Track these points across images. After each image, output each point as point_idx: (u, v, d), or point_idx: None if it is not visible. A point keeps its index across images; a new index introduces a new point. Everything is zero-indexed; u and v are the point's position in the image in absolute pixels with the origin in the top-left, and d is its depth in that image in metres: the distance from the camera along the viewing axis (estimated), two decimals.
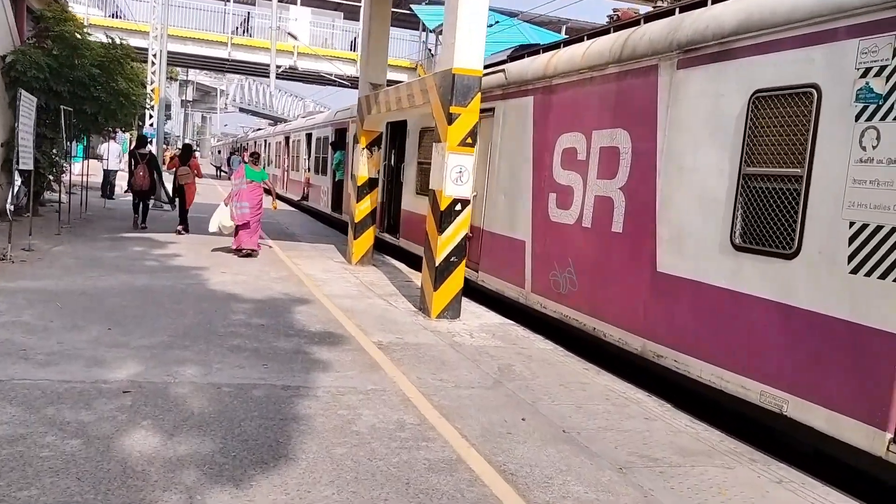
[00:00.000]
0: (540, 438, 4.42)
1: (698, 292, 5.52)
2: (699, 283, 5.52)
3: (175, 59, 34.88)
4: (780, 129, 4.92)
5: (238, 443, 3.90)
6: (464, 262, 7.76)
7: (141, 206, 14.02)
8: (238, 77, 67.12)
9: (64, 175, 14.50)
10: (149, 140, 17.75)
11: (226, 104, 71.62)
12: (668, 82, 5.96)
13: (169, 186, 17.04)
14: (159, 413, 4.23)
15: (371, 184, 11.42)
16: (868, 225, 4.22)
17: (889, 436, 4.03)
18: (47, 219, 13.32)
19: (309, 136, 22.87)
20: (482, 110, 9.66)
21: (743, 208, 5.18)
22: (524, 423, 4.67)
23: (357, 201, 11.34)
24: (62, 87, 13.14)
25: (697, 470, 4.16)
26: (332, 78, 32.65)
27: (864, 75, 4.32)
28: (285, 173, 28.16)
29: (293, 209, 23.06)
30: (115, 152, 21.17)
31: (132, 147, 14.83)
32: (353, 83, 32.06)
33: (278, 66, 31.86)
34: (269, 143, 31.68)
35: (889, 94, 4.16)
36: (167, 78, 46.52)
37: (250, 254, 11.34)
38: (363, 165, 11.30)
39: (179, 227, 13.26)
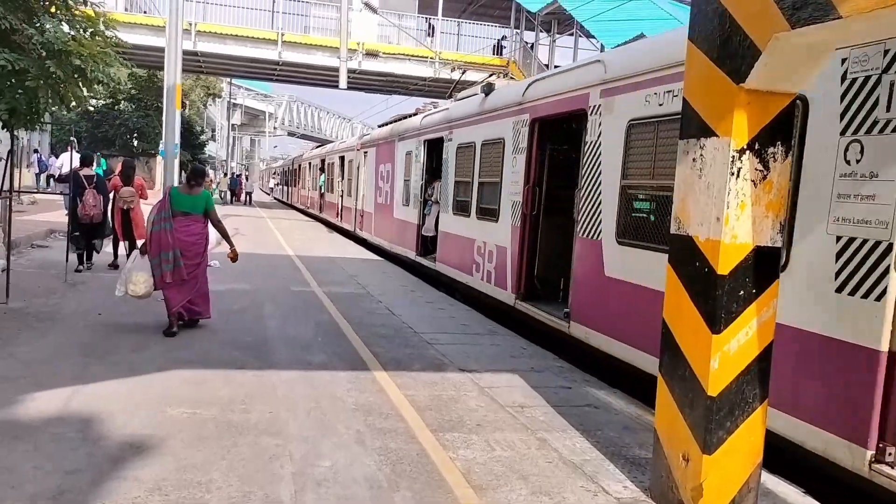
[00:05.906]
0: None
1: (401, 223, 14.52)
2: (402, 220, 14.47)
3: (213, 64, 27.45)
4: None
5: None
6: None
7: (85, 244, 10.10)
8: (287, 98, 63.82)
9: None
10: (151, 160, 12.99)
11: (274, 127, 69.96)
12: (397, 146, 15.09)
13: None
14: None
15: (765, 267, 3.37)
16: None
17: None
18: None
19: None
20: (366, 153, 18.50)
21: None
22: None
23: (715, 328, 3.31)
24: None
25: None
26: (435, 79, 25.01)
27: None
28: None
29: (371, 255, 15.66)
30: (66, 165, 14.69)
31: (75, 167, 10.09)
32: (436, 89, 26.46)
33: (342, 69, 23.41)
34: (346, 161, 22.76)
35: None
36: (208, 94, 40.69)
37: (189, 323, 6.96)
38: (737, 203, 3.27)
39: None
